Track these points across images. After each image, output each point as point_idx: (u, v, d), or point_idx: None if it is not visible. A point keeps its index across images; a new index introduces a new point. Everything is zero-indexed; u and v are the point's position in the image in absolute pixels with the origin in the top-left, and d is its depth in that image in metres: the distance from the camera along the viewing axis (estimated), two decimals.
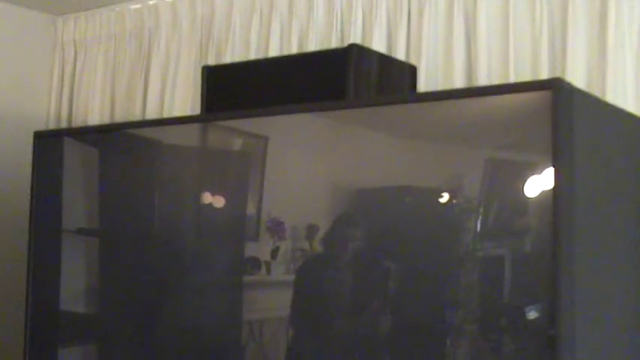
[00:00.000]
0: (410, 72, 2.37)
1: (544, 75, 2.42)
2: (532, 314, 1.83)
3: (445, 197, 2.01)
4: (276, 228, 2.29)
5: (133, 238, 2.65)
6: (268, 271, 2.30)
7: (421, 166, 2.07)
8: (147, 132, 2.75)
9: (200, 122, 2.54)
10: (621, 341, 2.03)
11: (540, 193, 1.76)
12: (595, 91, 2.31)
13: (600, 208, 1.89)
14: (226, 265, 2.46)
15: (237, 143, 2.56)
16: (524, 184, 1.82)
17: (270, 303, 2.36)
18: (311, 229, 2.22)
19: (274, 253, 2.28)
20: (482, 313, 1.92)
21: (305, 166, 2.27)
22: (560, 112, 1.66)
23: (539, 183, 1.76)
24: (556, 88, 1.68)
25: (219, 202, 2.52)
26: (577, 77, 2.35)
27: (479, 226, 1.94)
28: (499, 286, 1.91)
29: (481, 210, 1.95)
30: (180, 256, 2.56)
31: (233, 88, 2.42)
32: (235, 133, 2.51)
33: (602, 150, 1.93)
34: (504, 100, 1.85)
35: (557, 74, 2.41)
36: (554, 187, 1.68)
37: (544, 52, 2.45)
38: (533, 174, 1.80)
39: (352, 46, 2.20)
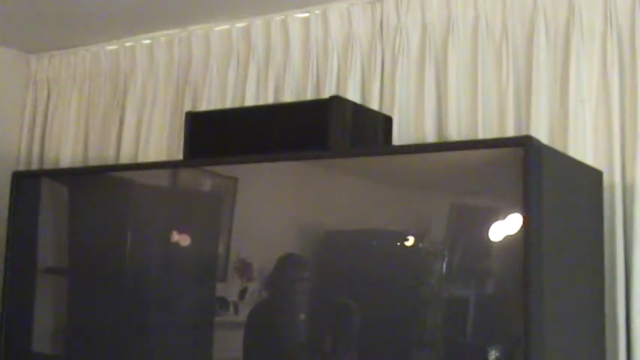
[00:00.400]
0: (386, 122, 2.48)
1: (510, 128, 2.55)
2: (494, 354, 1.92)
3: (413, 241, 2.10)
4: (245, 269, 2.36)
5: (105, 279, 2.68)
6: (236, 312, 2.36)
7: (397, 212, 2.16)
8: (123, 173, 2.81)
9: (179, 168, 2.60)
10: None
11: (510, 240, 1.87)
12: (557, 145, 2.43)
13: (564, 254, 2.01)
14: (195, 306, 2.51)
15: (208, 186, 2.62)
16: (494, 231, 1.92)
17: (238, 343, 2.38)
18: None
19: (242, 293, 2.34)
20: (446, 354, 2.01)
21: (274, 209, 2.34)
22: (531, 166, 1.79)
23: (510, 230, 1.87)
24: (527, 145, 1.81)
25: (189, 242, 2.56)
26: (540, 130, 2.48)
27: (444, 268, 2.04)
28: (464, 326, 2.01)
29: (446, 253, 2.05)
30: (150, 297, 2.59)
31: (216, 135, 2.48)
32: (207, 176, 2.58)
33: (566, 200, 2.06)
34: (479, 154, 1.97)
35: (522, 127, 2.54)
36: (524, 235, 1.80)
37: (510, 107, 2.56)
38: (503, 222, 1.91)
39: (334, 97, 2.31)
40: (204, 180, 2.63)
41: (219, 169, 2.48)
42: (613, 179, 2.38)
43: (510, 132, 2.54)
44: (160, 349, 2.53)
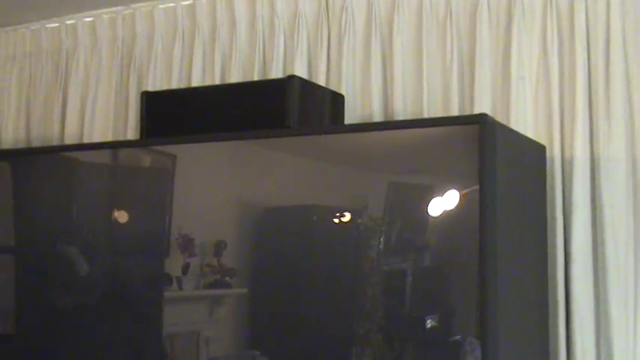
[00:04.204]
0: (338, 101, 2.53)
1: (454, 105, 2.62)
2: (431, 323, 2.02)
3: (359, 218, 2.16)
4: (187, 244, 2.40)
5: (52, 258, 2.69)
6: (180, 287, 2.42)
7: (347, 189, 2.23)
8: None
9: (133, 147, 2.60)
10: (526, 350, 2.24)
11: (459, 214, 1.95)
12: (499, 119, 2.52)
13: (514, 227, 2.09)
14: (140, 282, 2.54)
15: (154, 164, 2.64)
16: (446, 206, 2.00)
17: (182, 317, 2.46)
18: (219, 246, 2.35)
19: (185, 268, 2.39)
20: (386, 324, 2.10)
21: (215, 186, 2.39)
22: (486, 143, 1.87)
23: (468, 205, 1.95)
24: (483, 122, 1.88)
25: (131, 219, 2.59)
26: (484, 107, 2.56)
27: (382, 243, 2.11)
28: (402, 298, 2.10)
29: (384, 228, 2.11)
30: (96, 274, 2.61)
31: (172, 115, 2.49)
32: (149, 153, 2.60)
33: (516, 175, 2.14)
34: (433, 132, 2.04)
35: (466, 104, 2.62)
36: (480, 209, 1.87)
37: (454, 84, 2.64)
38: (456, 198, 1.99)
39: (292, 77, 2.35)
40: (149, 158, 2.65)
41: (164, 148, 2.51)
42: (552, 153, 2.47)
43: (455, 108, 2.62)
44: (109, 324, 2.55)
